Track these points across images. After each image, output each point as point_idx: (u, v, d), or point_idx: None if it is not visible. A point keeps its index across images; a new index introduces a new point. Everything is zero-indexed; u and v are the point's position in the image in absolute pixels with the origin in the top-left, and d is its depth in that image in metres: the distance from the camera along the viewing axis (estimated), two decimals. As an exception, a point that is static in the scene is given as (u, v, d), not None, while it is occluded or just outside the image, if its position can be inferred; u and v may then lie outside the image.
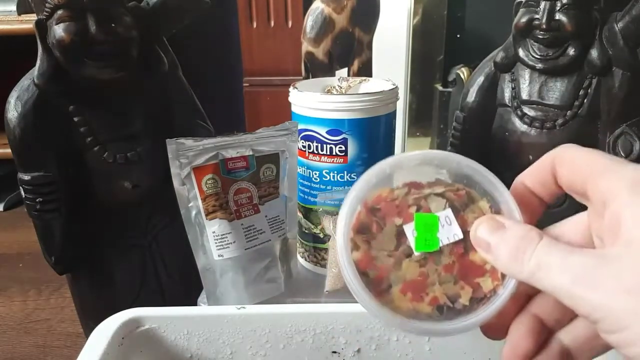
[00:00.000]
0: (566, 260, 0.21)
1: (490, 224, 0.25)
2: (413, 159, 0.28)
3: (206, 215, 0.46)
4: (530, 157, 0.53)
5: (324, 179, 0.52)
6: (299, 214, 0.55)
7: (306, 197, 0.54)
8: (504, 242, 0.24)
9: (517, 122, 0.54)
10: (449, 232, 0.26)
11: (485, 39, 0.90)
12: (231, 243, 0.47)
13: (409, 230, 0.27)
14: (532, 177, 0.27)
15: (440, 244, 0.26)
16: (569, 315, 0.26)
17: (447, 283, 0.26)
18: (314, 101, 0.51)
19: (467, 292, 0.26)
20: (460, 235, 0.26)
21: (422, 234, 0.26)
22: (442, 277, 0.26)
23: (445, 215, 0.27)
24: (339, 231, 0.27)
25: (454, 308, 0.26)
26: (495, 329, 0.27)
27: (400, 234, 0.27)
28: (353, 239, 0.27)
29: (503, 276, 0.26)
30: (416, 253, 0.26)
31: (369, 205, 0.27)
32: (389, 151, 0.55)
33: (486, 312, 0.26)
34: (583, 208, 0.26)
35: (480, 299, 0.26)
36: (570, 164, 0.25)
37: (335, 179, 0.52)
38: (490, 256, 0.25)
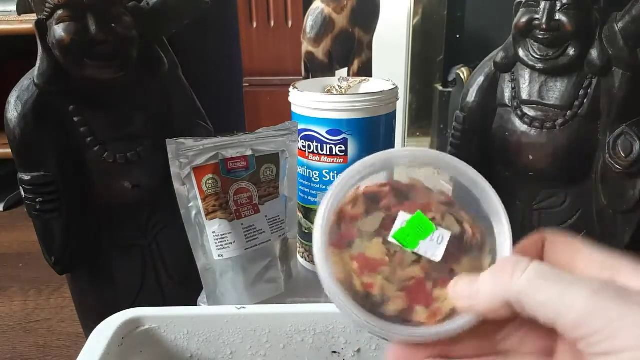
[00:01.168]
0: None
1: (470, 278, 0.24)
2: (405, 158, 0.27)
3: (206, 215, 0.46)
4: (530, 157, 0.53)
5: (324, 179, 0.52)
6: (299, 214, 0.55)
7: (306, 197, 0.54)
8: (485, 276, 0.23)
9: (517, 122, 0.54)
10: (431, 248, 0.26)
11: (485, 39, 0.90)
12: (231, 243, 0.47)
13: (403, 218, 0.26)
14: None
15: (415, 250, 0.26)
16: None
17: (397, 288, 0.25)
18: (314, 101, 0.51)
19: (422, 313, 0.25)
20: (437, 260, 0.25)
21: (410, 229, 0.26)
22: (394, 277, 0.25)
23: (442, 235, 0.26)
24: (324, 205, 0.26)
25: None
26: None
27: (388, 222, 0.26)
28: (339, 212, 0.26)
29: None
30: (390, 238, 0.26)
31: (366, 191, 0.27)
32: (389, 151, 0.54)
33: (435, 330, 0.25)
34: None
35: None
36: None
37: (335, 179, 0.52)
38: (472, 300, 0.24)
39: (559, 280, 0.21)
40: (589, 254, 0.24)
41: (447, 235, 0.26)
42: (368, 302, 0.25)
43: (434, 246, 0.26)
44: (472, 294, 0.24)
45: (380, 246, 0.26)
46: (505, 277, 0.22)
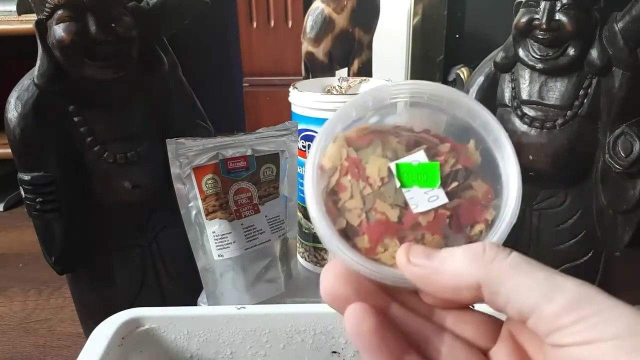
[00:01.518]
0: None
1: (426, 250, 0.22)
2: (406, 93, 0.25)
3: (206, 215, 0.46)
4: (530, 157, 0.53)
5: (324, 179, 0.52)
6: (299, 214, 0.55)
7: (306, 197, 0.54)
8: (457, 254, 0.22)
9: (517, 122, 0.54)
10: (419, 200, 0.23)
11: (485, 39, 0.90)
12: (231, 243, 0.47)
13: (418, 157, 0.24)
14: None
15: (405, 190, 0.24)
16: None
17: (363, 209, 0.24)
18: (314, 101, 0.51)
19: (363, 240, 0.24)
20: (421, 209, 0.23)
21: (416, 171, 0.24)
22: (369, 201, 0.24)
23: (439, 197, 0.24)
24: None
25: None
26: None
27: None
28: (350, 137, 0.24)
29: None
30: (392, 164, 0.24)
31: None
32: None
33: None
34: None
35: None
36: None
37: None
38: (429, 271, 0.22)
39: (546, 268, 0.21)
40: None
41: (442, 200, 0.24)
42: (329, 200, 0.24)
43: (423, 200, 0.24)
44: (430, 266, 0.22)
45: (383, 168, 0.24)
46: (486, 258, 0.21)
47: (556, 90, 0.52)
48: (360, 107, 0.25)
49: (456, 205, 0.24)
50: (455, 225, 0.24)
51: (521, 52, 0.52)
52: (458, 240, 0.24)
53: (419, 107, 0.25)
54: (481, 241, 0.24)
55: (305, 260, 0.57)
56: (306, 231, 0.56)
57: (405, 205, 0.24)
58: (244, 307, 0.40)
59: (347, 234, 0.24)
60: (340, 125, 0.24)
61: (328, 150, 0.24)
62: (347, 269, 0.23)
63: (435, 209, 0.24)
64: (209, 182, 0.46)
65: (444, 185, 0.24)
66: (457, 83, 0.91)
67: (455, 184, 0.24)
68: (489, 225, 0.24)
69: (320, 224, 0.23)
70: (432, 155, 0.24)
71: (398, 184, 0.24)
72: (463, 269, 0.21)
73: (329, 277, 0.23)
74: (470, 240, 0.24)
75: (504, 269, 0.21)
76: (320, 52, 0.67)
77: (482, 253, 0.21)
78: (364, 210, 0.24)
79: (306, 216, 0.55)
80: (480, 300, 0.21)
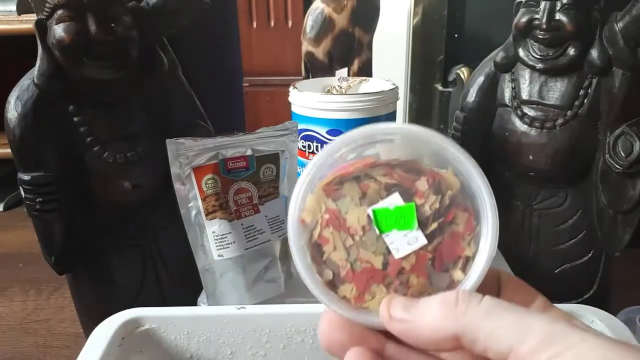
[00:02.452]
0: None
1: (406, 301, 0.23)
2: (394, 135, 0.25)
3: (206, 215, 0.46)
4: (530, 157, 0.53)
5: (324, 179, 0.52)
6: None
7: (306, 197, 0.54)
8: (432, 306, 0.22)
9: (517, 122, 0.54)
10: (399, 243, 0.24)
11: (485, 39, 0.90)
12: (231, 243, 0.47)
13: (394, 201, 0.24)
14: None
15: (384, 234, 0.24)
16: None
17: (347, 260, 0.24)
18: (314, 101, 0.51)
19: (350, 290, 0.24)
20: (396, 257, 0.24)
21: (393, 214, 0.24)
22: (352, 251, 0.24)
23: (418, 239, 0.24)
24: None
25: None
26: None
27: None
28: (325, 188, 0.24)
29: None
30: (369, 210, 0.24)
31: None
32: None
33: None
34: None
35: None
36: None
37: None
38: (409, 326, 0.22)
39: (516, 309, 0.21)
40: (544, 302, 0.23)
41: (422, 241, 0.24)
42: (314, 252, 0.24)
43: (403, 244, 0.24)
44: (409, 320, 0.22)
45: (363, 216, 0.24)
46: (459, 309, 0.21)
47: (556, 90, 0.52)
48: (333, 154, 0.25)
49: (437, 244, 0.24)
50: (438, 264, 0.24)
51: (521, 52, 0.52)
52: (442, 279, 0.24)
53: (392, 142, 0.25)
54: (462, 279, 0.24)
55: (305, 260, 0.57)
56: (306, 231, 0.56)
57: (388, 251, 0.24)
58: (244, 307, 0.40)
59: (335, 284, 0.24)
60: (317, 175, 0.24)
61: (307, 203, 0.24)
62: (340, 316, 0.24)
63: (416, 251, 0.24)
64: (209, 182, 0.46)
65: (424, 225, 0.24)
66: (457, 83, 0.91)
67: (435, 224, 0.24)
68: (471, 259, 0.24)
69: (306, 277, 0.24)
70: (410, 195, 0.24)
71: (377, 231, 0.24)
72: (439, 323, 0.22)
73: (324, 326, 0.24)
74: (452, 279, 0.24)
75: (477, 317, 0.21)
76: (320, 52, 0.67)
77: (455, 304, 0.22)
78: (349, 261, 0.24)
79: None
80: (462, 347, 0.22)
